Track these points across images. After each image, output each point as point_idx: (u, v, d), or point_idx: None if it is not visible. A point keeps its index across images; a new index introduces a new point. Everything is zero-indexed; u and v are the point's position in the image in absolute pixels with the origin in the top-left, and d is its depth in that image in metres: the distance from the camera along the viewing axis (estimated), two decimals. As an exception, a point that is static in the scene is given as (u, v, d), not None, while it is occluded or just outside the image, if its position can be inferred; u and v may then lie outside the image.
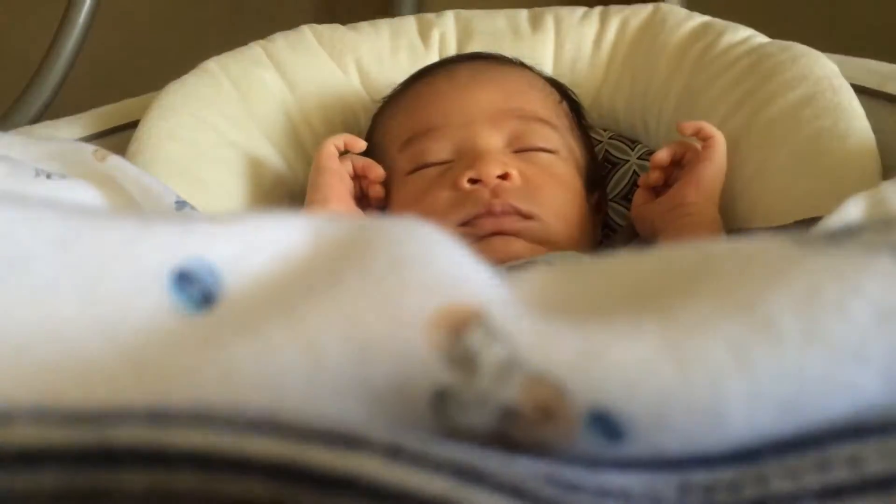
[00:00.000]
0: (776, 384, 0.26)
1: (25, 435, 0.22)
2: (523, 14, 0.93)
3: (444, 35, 0.92)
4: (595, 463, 0.26)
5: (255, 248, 0.29)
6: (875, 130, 0.71)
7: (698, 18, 0.87)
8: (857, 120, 0.71)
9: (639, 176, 0.83)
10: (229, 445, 0.22)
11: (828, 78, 0.74)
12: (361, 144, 0.78)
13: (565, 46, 0.91)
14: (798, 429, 0.27)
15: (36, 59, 1.10)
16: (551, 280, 0.32)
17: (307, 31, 0.90)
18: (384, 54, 0.90)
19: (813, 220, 0.57)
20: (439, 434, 0.26)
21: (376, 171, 0.77)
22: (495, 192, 0.70)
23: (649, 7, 0.90)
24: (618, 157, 0.88)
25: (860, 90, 0.74)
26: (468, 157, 0.73)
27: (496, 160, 0.72)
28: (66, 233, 0.27)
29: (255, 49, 0.88)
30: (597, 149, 0.88)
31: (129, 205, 0.63)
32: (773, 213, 0.70)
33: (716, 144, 0.73)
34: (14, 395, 0.24)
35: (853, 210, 0.50)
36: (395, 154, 0.78)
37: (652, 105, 0.86)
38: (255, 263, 0.29)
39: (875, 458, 0.26)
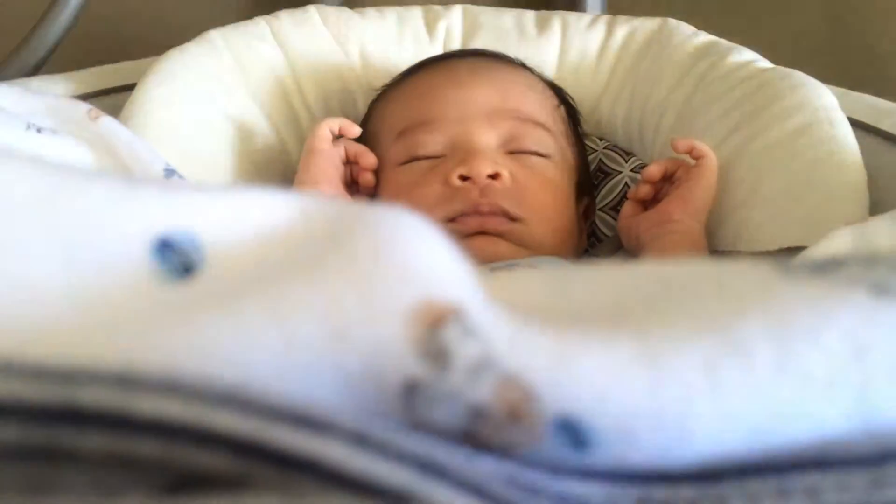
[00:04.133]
0: (745, 408, 0.26)
1: (-9, 387, 0.22)
2: (531, 15, 0.93)
3: (451, 28, 0.92)
4: (557, 469, 0.26)
5: (240, 221, 0.29)
6: (867, 166, 0.71)
7: (704, 37, 0.88)
8: (851, 154, 0.72)
9: (630, 188, 0.83)
10: (195, 417, 0.22)
11: (826, 109, 0.75)
12: (356, 130, 0.78)
13: (570, 51, 0.91)
14: (762, 454, 0.27)
15: (36, 13, 1.08)
16: (532, 284, 0.32)
17: (313, 11, 0.90)
18: (388, 42, 0.90)
19: (797, 249, 0.58)
20: (407, 426, 0.26)
21: (368, 158, 0.77)
22: (484, 192, 0.70)
23: (657, 20, 0.91)
24: (611, 168, 0.88)
25: (857, 124, 0.75)
26: (461, 153, 0.73)
27: (488, 159, 0.72)
28: (50, 188, 0.27)
29: (260, 24, 0.87)
30: (591, 157, 0.88)
31: (117, 168, 0.62)
32: (760, 238, 0.70)
33: (708, 164, 0.74)
34: (-17, 347, 0.24)
35: (838, 243, 0.50)
36: (389, 143, 0.77)
37: (650, 119, 0.86)
38: (239, 237, 0.29)
39: (833, 491, 0.26)
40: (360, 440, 0.23)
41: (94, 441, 0.22)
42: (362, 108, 0.87)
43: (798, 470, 0.27)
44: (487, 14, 0.93)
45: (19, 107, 0.62)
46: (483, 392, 0.26)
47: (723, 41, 0.87)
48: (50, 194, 0.27)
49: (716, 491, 0.26)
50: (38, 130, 0.59)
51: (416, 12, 0.93)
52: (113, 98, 0.81)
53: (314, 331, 0.25)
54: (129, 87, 0.80)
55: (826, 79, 0.79)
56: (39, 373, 0.22)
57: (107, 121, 0.65)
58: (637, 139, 0.88)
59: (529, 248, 0.71)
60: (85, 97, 0.80)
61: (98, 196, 0.28)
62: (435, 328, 0.26)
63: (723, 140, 0.78)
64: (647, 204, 0.77)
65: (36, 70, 1.05)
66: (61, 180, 0.27)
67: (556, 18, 0.92)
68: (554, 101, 0.82)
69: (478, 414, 0.26)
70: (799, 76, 0.78)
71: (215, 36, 0.84)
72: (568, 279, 0.33)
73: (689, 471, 0.27)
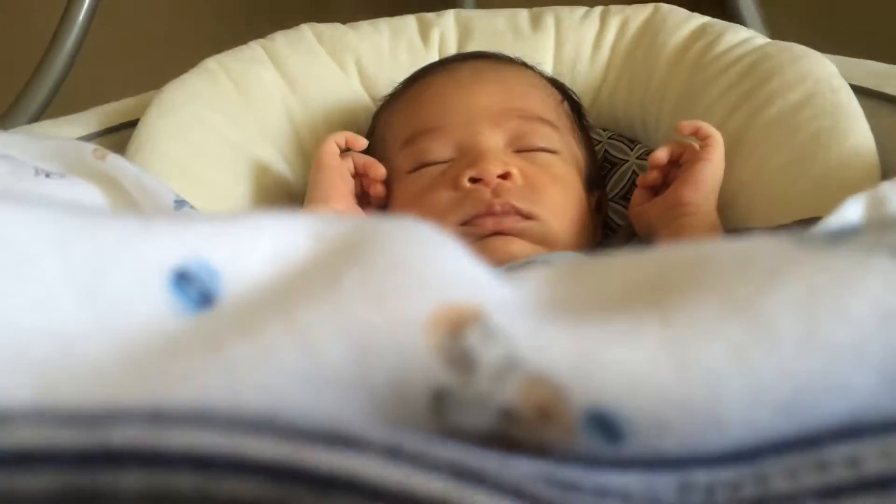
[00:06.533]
0: (776, 385, 0.26)
1: (24, 436, 0.22)
2: (523, 14, 0.93)
3: (445, 35, 0.92)
4: (594, 463, 0.26)
5: (254, 247, 0.29)
6: (874, 131, 0.71)
7: (698, 19, 0.87)
8: (856, 120, 0.71)
9: (638, 176, 0.83)
10: (228, 446, 0.22)
11: (827, 78, 0.74)
12: (362, 142, 0.78)
13: (565, 46, 0.91)
14: (797, 429, 0.27)
15: (36, 58, 1.10)
16: (551, 280, 0.32)
17: (307, 30, 0.90)
18: (384, 54, 0.90)
19: (812, 221, 0.57)
20: (438, 434, 0.26)
21: (377, 169, 0.77)
22: (496, 192, 0.70)
23: (649, 7, 0.90)
24: (617, 157, 0.88)
25: (859, 90, 0.74)
26: (469, 156, 0.73)
27: (497, 159, 0.72)
28: (65, 233, 0.27)
29: (255, 48, 0.88)
30: (596, 149, 0.88)
31: (128, 204, 0.63)
32: (772, 213, 0.70)
33: (714, 144, 0.73)
34: (13, 397, 0.24)
35: (852, 210, 0.50)
36: (397, 152, 0.78)
37: (651, 105, 0.86)
38: (254, 263, 0.29)
39: (874, 458, 0.26)
40: (394, 453, 0.23)
41: (130, 480, 0.22)
42: (363, 121, 0.87)
43: (836, 440, 0.26)
44: (480, 17, 0.93)
45: (25, 153, 0.62)
46: (511, 393, 0.26)
47: (717, 21, 0.86)
48: (65, 238, 0.27)
49: (755, 470, 0.26)
50: (47, 175, 0.59)
51: (409, 22, 0.93)
52: (118, 135, 0.82)
53: (338, 349, 0.25)
54: (133, 123, 0.80)
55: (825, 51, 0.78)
56: (71, 418, 0.22)
57: (113, 158, 0.65)
58: (640, 127, 0.88)
59: (545, 245, 0.71)
60: (90, 137, 0.80)
61: (111, 235, 0.28)
62: (456, 333, 0.26)
63: (726, 119, 0.78)
64: (656, 189, 0.77)
65: (39, 115, 1.06)
66: (75, 223, 0.28)
67: (549, 14, 0.92)
68: (557, 97, 0.82)
69: (508, 415, 0.26)
70: (797, 48, 0.78)
71: (212, 64, 0.85)
72: (587, 271, 0.33)
73: (727, 452, 0.27)
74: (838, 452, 0.26)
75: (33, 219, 0.27)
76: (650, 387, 0.26)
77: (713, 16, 0.87)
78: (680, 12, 0.89)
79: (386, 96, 0.85)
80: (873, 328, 0.27)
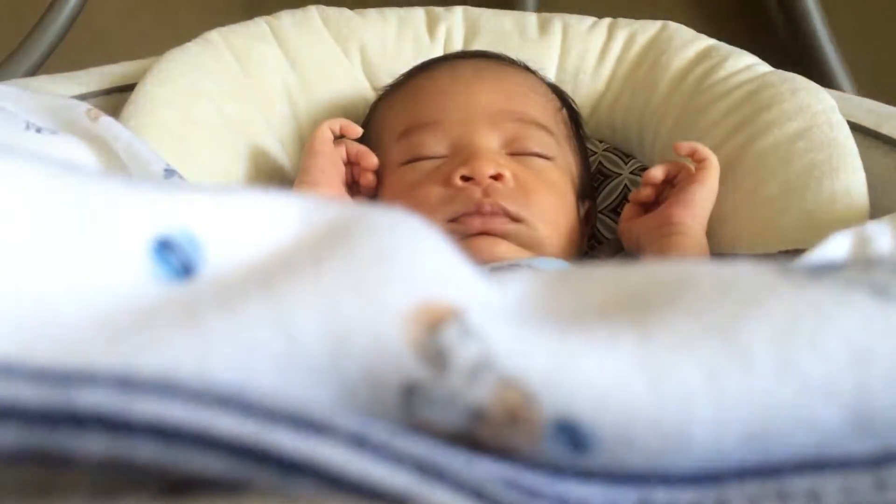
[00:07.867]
0: (745, 410, 0.26)
1: (-10, 388, 0.22)
2: (532, 17, 0.93)
3: (451, 30, 0.92)
4: (557, 471, 0.26)
5: (240, 223, 0.29)
6: (867, 170, 0.71)
7: (704, 41, 0.88)
8: (850, 157, 0.72)
9: (630, 190, 0.83)
10: (194, 420, 0.22)
11: (825, 113, 0.75)
12: (357, 131, 0.78)
13: (570, 54, 0.91)
14: (761, 457, 0.27)
15: (38, 11, 1.09)
16: (533, 285, 0.32)
17: (314, 12, 0.90)
18: (389, 43, 0.90)
19: (797, 252, 0.58)
20: (406, 428, 0.26)
21: (370, 159, 0.77)
22: (486, 192, 0.70)
23: (658, 24, 0.90)
24: (611, 170, 0.88)
25: (856, 128, 0.75)
26: (463, 154, 0.73)
27: (490, 160, 0.72)
28: (49, 189, 0.27)
29: (260, 24, 0.87)
30: (591, 160, 0.88)
31: (117, 168, 0.62)
32: (759, 241, 0.70)
33: (709, 167, 0.74)
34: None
35: (837, 246, 0.51)
36: (391, 144, 0.77)
37: (650, 122, 0.86)
38: (239, 239, 0.29)
39: (834, 494, 0.26)
40: (359, 442, 0.23)
41: (92, 443, 0.22)
42: (362, 109, 0.87)
43: (797, 472, 0.27)
44: (488, 16, 0.93)
45: (18, 106, 0.62)
46: (482, 394, 0.26)
47: (723, 45, 0.87)
48: (49, 194, 0.27)
49: (716, 493, 0.26)
50: (38, 130, 0.59)
51: (417, 14, 0.93)
52: (113, 98, 0.81)
53: (314, 332, 0.25)
54: (130, 88, 0.80)
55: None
56: (38, 375, 0.22)
57: (106, 121, 0.65)
58: (636, 142, 0.88)
59: (531, 250, 0.71)
60: (85, 97, 0.79)
61: (98, 196, 0.27)
62: (434, 330, 0.26)
63: (722, 143, 0.78)
64: (647, 207, 0.77)
65: (36, 70, 1.05)
66: (61, 180, 0.27)
67: (558, 21, 0.92)
68: (556, 103, 0.82)
69: (477, 416, 0.26)
70: (799, 80, 0.78)
71: (215, 36, 0.84)
72: (568, 280, 0.33)
73: (689, 473, 0.27)
74: (799, 484, 0.26)
75: (16, 169, 0.27)
76: (621, 401, 0.26)
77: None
78: (687, 32, 0.89)
79: (385, 87, 0.85)
80: (845, 366, 0.27)
